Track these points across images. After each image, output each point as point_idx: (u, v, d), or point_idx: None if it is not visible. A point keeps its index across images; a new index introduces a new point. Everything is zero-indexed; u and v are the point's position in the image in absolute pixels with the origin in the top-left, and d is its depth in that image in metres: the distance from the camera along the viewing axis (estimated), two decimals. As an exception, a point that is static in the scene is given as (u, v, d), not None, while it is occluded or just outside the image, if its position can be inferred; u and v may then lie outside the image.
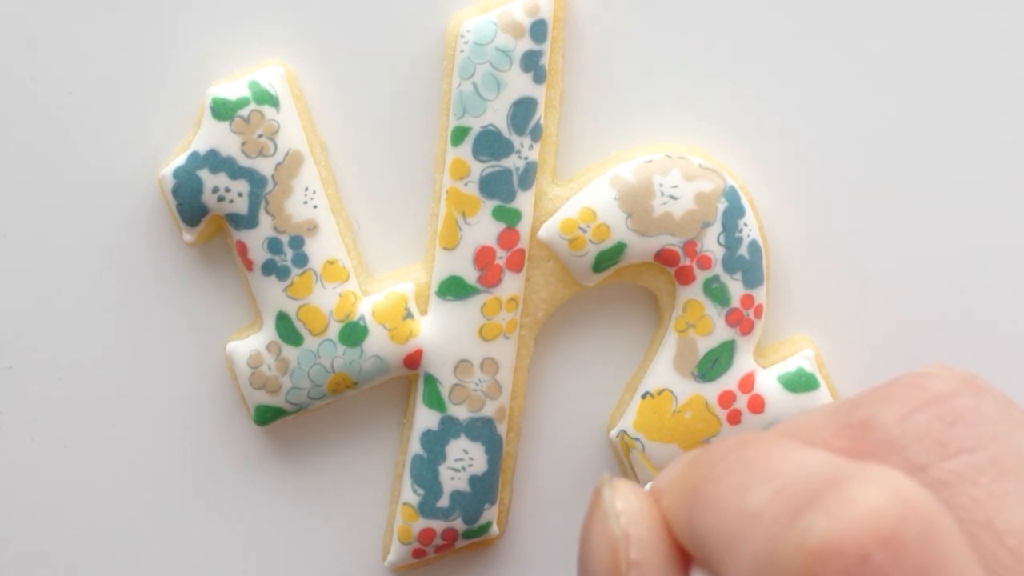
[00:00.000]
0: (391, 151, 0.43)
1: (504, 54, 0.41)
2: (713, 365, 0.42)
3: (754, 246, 0.42)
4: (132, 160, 0.43)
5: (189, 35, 0.42)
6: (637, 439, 0.42)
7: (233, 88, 0.41)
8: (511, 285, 0.42)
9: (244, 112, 0.41)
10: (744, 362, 0.42)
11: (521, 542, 0.44)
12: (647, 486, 0.33)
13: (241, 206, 0.41)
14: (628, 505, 0.31)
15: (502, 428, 0.43)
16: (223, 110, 0.41)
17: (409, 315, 0.42)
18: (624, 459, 0.43)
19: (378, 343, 0.42)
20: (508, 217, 0.42)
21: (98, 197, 0.43)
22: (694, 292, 0.42)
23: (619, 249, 0.42)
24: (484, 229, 0.42)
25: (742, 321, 0.42)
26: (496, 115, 0.41)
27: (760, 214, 0.42)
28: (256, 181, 0.41)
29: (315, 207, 0.42)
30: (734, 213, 0.42)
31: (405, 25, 0.42)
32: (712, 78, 0.43)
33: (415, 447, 0.43)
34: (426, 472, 0.43)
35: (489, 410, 0.42)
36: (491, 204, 0.42)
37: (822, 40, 0.43)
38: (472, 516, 0.43)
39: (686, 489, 0.31)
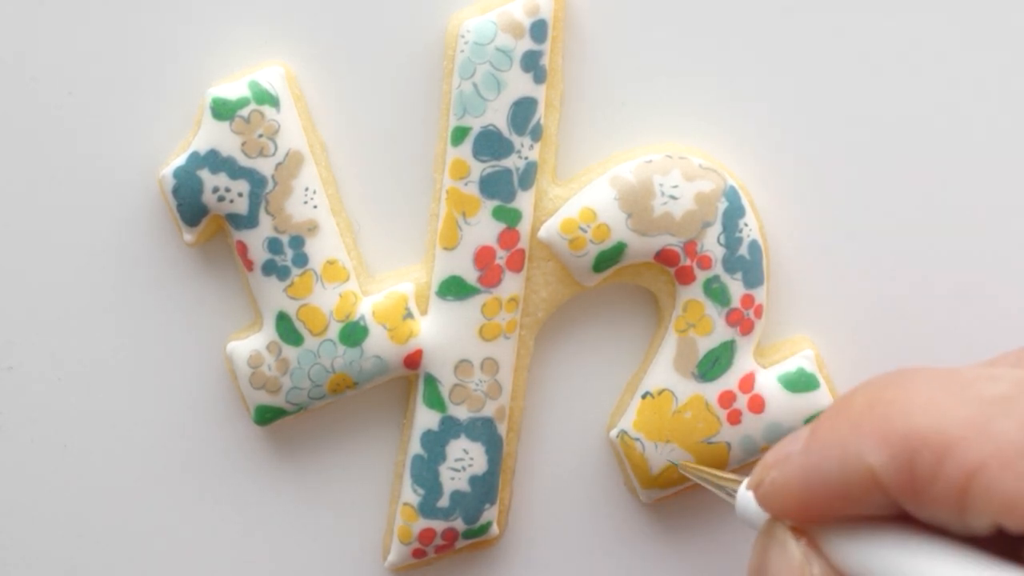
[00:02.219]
0: (391, 151, 0.43)
1: (504, 54, 0.41)
2: (713, 365, 0.42)
3: (754, 246, 0.42)
4: (132, 160, 0.43)
5: (189, 35, 0.42)
6: (637, 439, 0.42)
7: (233, 88, 0.41)
8: (511, 285, 0.42)
9: (244, 112, 0.41)
10: (744, 362, 0.42)
11: (521, 542, 0.44)
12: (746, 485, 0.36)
13: (241, 206, 0.41)
14: (799, 548, 0.34)
15: (502, 428, 0.43)
16: (223, 110, 0.41)
17: (409, 315, 0.42)
18: (624, 459, 0.43)
19: (378, 343, 0.42)
20: (508, 217, 0.42)
21: (98, 197, 0.43)
22: (694, 292, 0.42)
23: (619, 249, 0.42)
24: (484, 229, 0.42)
25: (742, 321, 0.42)
26: (496, 115, 0.41)
27: (760, 214, 0.42)
28: (256, 181, 0.41)
29: (315, 207, 0.42)
30: (734, 213, 0.42)
31: (405, 25, 0.42)
32: (712, 78, 0.43)
33: (415, 447, 0.43)
34: (426, 472, 0.43)
35: (489, 410, 0.42)
36: (491, 204, 0.42)
37: (822, 41, 0.43)
38: (472, 516, 0.43)
39: (860, 413, 0.32)
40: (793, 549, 0.34)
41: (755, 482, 0.35)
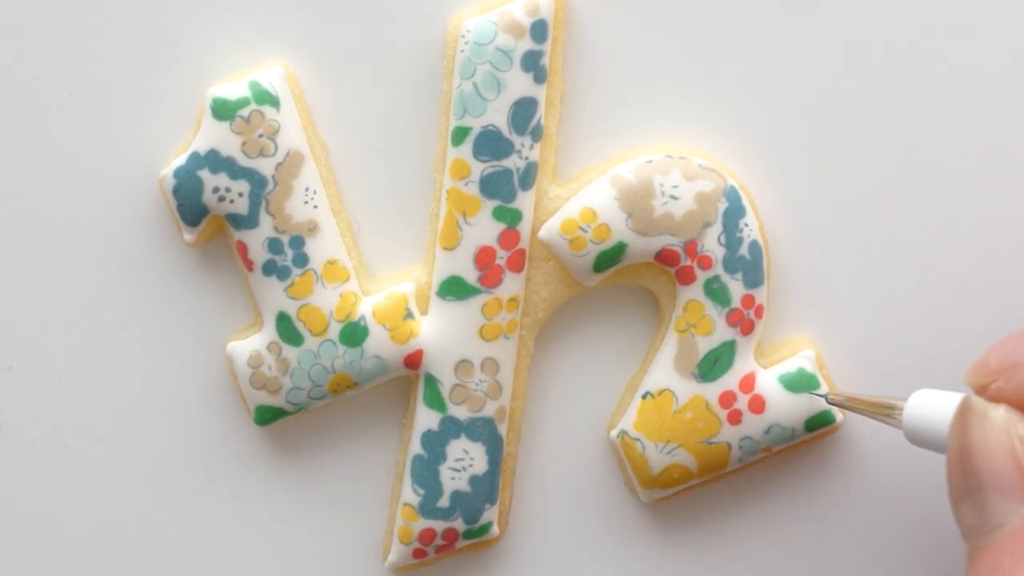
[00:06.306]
0: (391, 151, 0.43)
1: (504, 54, 0.41)
2: (714, 365, 0.42)
3: (755, 246, 0.42)
4: (132, 160, 0.43)
5: (189, 35, 0.42)
6: (637, 439, 0.42)
7: (233, 88, 0.41)
8: (511, 285, 0.42)
9: (244, 112, 0.41)
10: (745, 362, 0.42)
11: (521, 542, 0.44)
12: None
13: (241, 206, 0.41)
14: (1000, 411, 0.36)
15: (502, 428, 0.43)
16: (223, 110, 0.41)
17: (409, 315, 0.42)
18: (624, 459, 0.43)
19: (379, 343, 0.42)
20: (508, 217, 0.42)
21: (98, 197, 0.43)
22: (695, 292, 0.42)
23: (620, 249, 0.42)
24: (484, 229, 0.42)
25: (743, 321, 0.42)
26: (496, 115, 0.41)
27: (760, 214, 0.42)
28: (256, 181, 0.41)
29: (315, 207, 0.42)
30: (735, 213, 0.42)
31: (405, 25, 0.42)
32: (712, 78, 0.43)
33: (416, 447, 0.43)
34: (427, 472, 0.43)
35: (489, 410, 0.42)
36: (491, 204, 0.42)
37: (823, 41, 0.43)
38: (473, 516, 0.43)
39: None
40: (995, 413, 0.35)
41: (978, 385, 0.36)
